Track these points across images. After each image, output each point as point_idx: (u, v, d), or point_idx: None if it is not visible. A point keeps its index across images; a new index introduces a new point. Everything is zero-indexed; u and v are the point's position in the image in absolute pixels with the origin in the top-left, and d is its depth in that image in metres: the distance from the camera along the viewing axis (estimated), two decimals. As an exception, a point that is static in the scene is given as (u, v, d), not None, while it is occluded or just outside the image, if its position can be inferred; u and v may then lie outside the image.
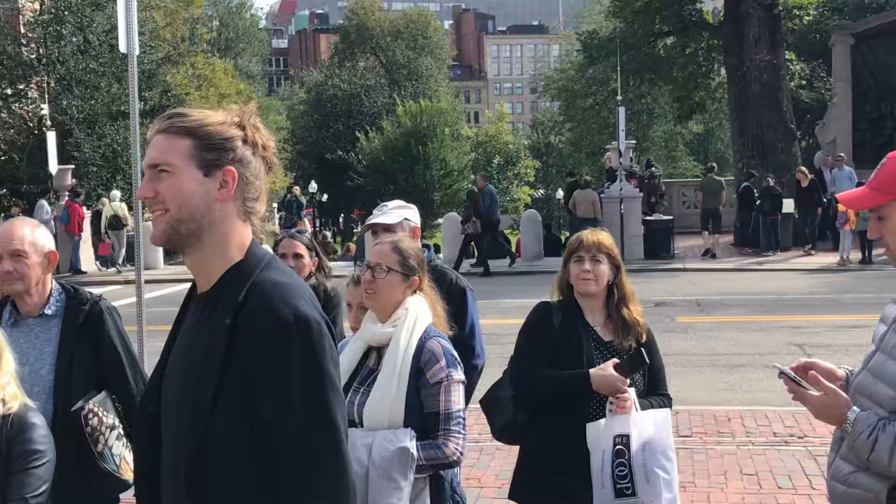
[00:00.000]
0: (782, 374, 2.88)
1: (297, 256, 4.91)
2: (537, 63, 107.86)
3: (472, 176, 58.89)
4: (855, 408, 2.76)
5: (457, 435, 3.42)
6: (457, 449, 3.41)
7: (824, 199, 21.91)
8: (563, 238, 28.41)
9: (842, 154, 23.81)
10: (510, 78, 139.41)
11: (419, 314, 3.57)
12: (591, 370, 3.72)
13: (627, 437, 3.68)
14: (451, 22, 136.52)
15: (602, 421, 3.72)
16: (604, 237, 3.91)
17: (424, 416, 3.41)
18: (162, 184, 2.18)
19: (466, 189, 23.67)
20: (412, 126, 51.12)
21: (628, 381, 3.73)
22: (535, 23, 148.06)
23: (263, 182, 2.28)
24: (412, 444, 3.32)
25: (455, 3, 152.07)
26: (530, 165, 77.30)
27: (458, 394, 3.47)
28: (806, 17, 29.02)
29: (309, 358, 2.08)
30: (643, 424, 3.73)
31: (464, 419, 3.49)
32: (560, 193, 45.30)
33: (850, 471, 2.80)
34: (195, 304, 2.27)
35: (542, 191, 78.15)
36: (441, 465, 3.42)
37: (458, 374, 3.49)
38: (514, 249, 28.22)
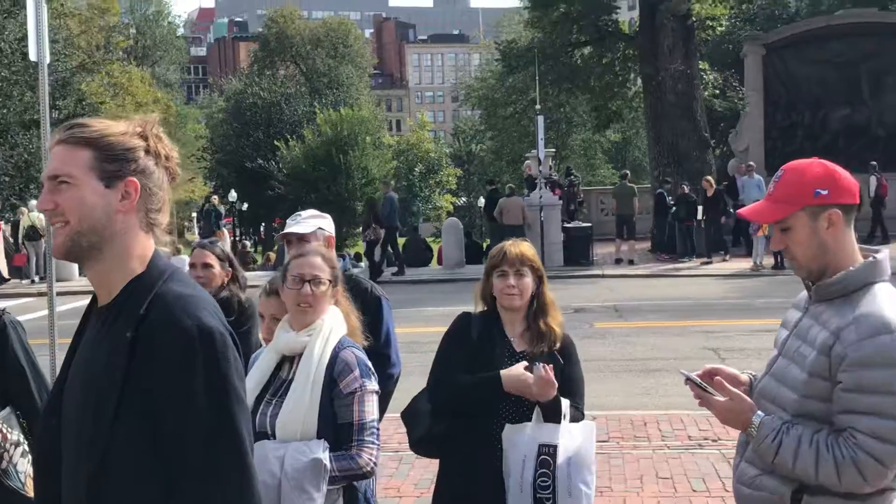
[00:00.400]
0: (688, 380, 2.92)
1: (206, 266, 4.85)
2: (458, 72, 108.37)
3: (392, 183, 59.08)
4: (759, 412, 2.81)
5: (370, 445, 3.41)
6: (370, 460, 3.40)
7: (729, 209, 22.34)
8: (484, 245, 28.53)
9: (752, 163, 24.36)
10: (431, 87, 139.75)
11: (334, 324, 3.56)
12: (502, 371, 3.71)
13: (555, 448, 3.65)
14: (371, 31, 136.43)
15: (526, 425, 3.70)
16: (526, 248, 3.90)
17: (338, 426, 3.39)
18: (62, 195, 2.14)
19: (381, 197, 23.70)
20: (333, 134, 50.93)
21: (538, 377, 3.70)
22: (456, 32, 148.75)
23: (167, 193, 2.24)
24: (325, 456, 3.29)
25: (376, 12, 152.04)
26: (452, 173, 77.69)
27: (371, 404, 3.46)
28: (719, 28, 29.62)
29: (212, 370, 2.06)
30: (571, 437, 3.72)
31: (377, 429, 3.48)
32: (483, 201, 45.51)
33: (755, 474, 2.86)
34: (96, 316, 2.22)
35: (464, 199, 78.49)
36: (355, 476, 3.40)
37: (372, 385, 3.48)
38: (435, 257, 28.34)
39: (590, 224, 25.22)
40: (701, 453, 7.55)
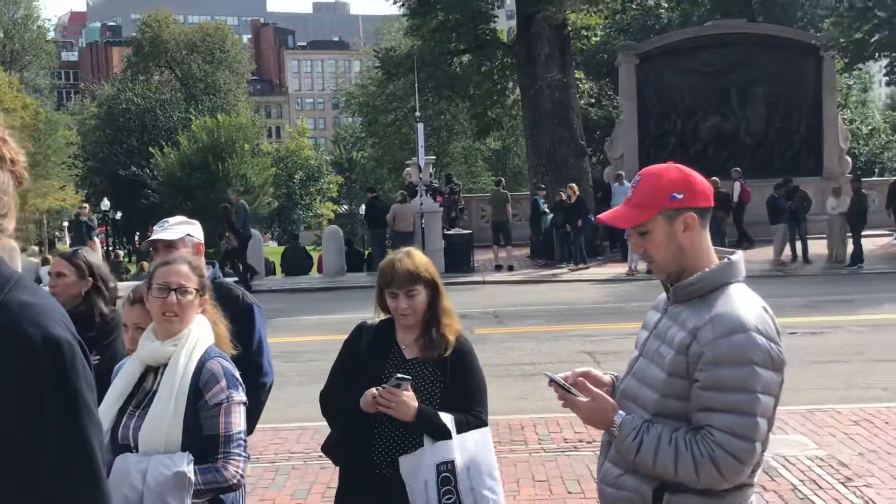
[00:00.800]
0: (552, 381, 2.95)
1: (59, 275, 4.68)
2: (338, 79, 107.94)
3: (272, 190, 58.49)
4: (621, 412, 2.85)
5: (237, 458, 3.34)
6: (237, 472, 3.34)
7: (588, 215, 22.78)
8: (366, 253, 28.44)
9: (621, 171, 25.02)
10: (311, 93, 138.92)
11: (200, 334, 3.49)
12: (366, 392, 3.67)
13: (452, 463, 3.62)
14: (249, 36, 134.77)
15: (419, 451, 3.66)
16: (418, 262, 3.82)
17: (203, 438, 3.32)
18: None
19: (233, 205, 23.34)
20: (209, 141, 50.18)
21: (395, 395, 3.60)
22: (336, 39, 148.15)
23: (12, 198, 2.15)
24: (189, 469, 3.22)
25: (253, 18, 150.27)
26: (333, 181, 77.27)
27: (238, 415, 3.40)
28: (594, 38, 30.29)
29: (61, 382, 1.98)
30: (465, 448, 3.67)
31: (245, 441, 3.42)
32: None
33: (618, 473, 2.89)
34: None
35: (345, 206, 78.21)
36: (220, 489, 3.34)
37: (239, 396, 3.42)
38: (315, 265, 28.14)
39: (470, 231, 25.43)
40: (576, 455, 7.66)
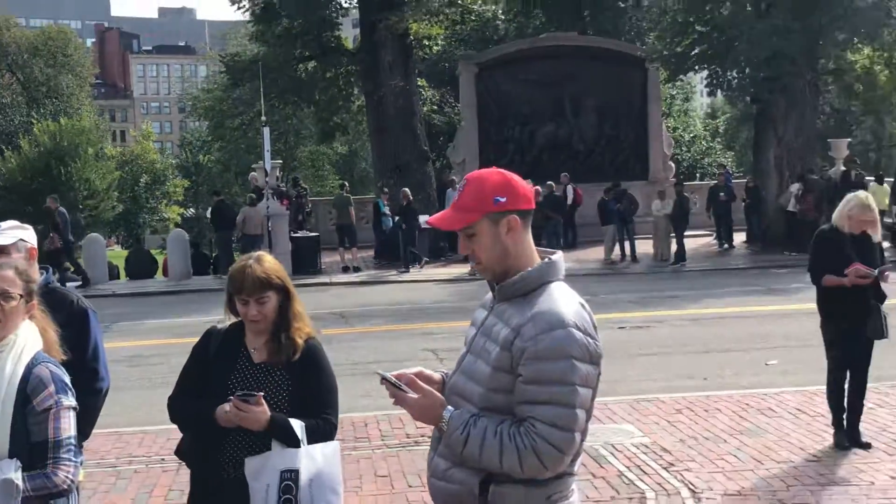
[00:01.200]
0: (384, 380, 3.02)
1: None
2: (185, 83, 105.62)
3: (116, 194, 56.77)
4: (450, 407, 2.95)
5: (67, 463, 3.32)
6: (67, 477, 3.31)
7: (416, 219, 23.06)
8: (211, 256, 28.03)
9: (454, 177, 25.59)
10: (157, 97, 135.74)
11: (28, 340, 3.44)
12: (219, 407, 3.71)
13: (296, 472, 3.63)
14: (93, 40, 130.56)
15: (266, 454, 3.67)
16: (268, 268, 3.81)
17: (32, 445, 3.29)
18: None
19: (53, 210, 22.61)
20: (52, 145, 48.58)
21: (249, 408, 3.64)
22: (182, 43, 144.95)
23: None
24: (17, 476, 3.19)
25: (97, 21, 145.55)
26: (179, 185, 75.71)
27: (68, 420, 3.36)
28: (435, 47, 30.79)
29: None
30: (311, 459, 3.68)
31: (75, 446, 3.39)
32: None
33: (446, 467, 2.99)
34: None
35: (192, 210, 76.66)
36: (51, 495, 3.31)
37: (69, 401, 3.39)
38: (161, 268, 27.62)
39: (317, 233, 25.47)
40: (418, 450, 7.75)
